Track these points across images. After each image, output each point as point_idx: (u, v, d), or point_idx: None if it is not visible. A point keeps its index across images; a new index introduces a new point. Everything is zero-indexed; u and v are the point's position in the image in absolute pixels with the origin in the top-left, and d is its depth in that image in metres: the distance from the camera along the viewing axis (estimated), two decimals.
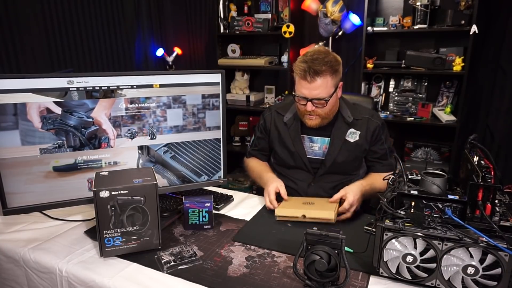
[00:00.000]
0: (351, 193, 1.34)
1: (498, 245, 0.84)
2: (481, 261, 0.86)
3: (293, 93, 1.46)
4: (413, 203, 0.96)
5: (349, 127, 1.52)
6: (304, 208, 1.32)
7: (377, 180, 1.43)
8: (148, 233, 1.10)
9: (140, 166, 1.30)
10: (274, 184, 1.42)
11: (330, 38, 2.84)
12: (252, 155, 1.71)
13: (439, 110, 2.75)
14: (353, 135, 1.51)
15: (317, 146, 1.55)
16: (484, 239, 0.85)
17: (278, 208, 1.32)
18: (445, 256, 0.89)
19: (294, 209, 1.32)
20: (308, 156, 1.55)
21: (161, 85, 1.26)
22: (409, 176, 1.12)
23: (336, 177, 1.54)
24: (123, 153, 1.27)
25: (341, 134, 1.52)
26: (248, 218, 1.34)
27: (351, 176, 1.57)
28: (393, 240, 0.93)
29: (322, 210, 1.30)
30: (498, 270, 0.85)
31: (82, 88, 1.16)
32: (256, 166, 1.66)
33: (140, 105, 1.25)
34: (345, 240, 0.93)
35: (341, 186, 1.51)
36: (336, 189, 1.50)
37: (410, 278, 0.94)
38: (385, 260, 0.95)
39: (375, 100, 2.90)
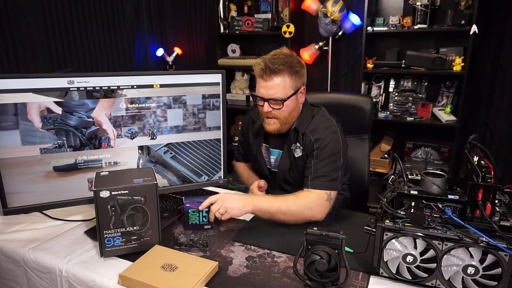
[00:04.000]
0: (219, 195, 1.24)
1: (498, 245, 0.84)
2: (481, 261, 0.87)
3: (252, 93, 1.41)
4: (413, 203, 0.96)
5: (295, 141, 1.42)
6: (160, 276, 0.97)
7: (278, 199, 1.27)
8: (148, 233, 1.10)
9: (140, 166, 1.30)
10: (256, 182, 1.47)
11: (330, 38, 2.84)
12: (238, 159, 1.74)
13: (439, 110, 2.75)
14: (298, 149, 1.42)
15: (274, 158, 1.51)
16: (484, 239, 0.85)
17: (127, 270, 1.00)
18: (445, 256, 0.89)
19: (145, 274, 0.97)
20: (267, 166, 1.53)
21: (162, 85, 1.26)
22: (409, 176, 1.12)
23: (293, 189, 1.41)
24: (124, 153, 1.27)
25: (290, 148, 1.43)
26: (248, 218, 1.34)
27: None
28: (393, 240, 0.93)
29: (177, 285, 0.94)
30: (498, 270, 0.86)
31: (83, 88, 1.16)
32: (244, 170, 1.69)
33: (140, 105, 1.25)
34: (345, 240, 0.93)
35: None
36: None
37: (410, 278, 0.94)
38: (385, 260, 0.95)
39: (374, 100, 2.91)
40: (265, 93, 1.34)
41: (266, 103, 1.34)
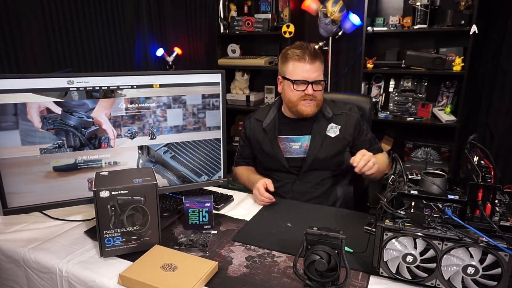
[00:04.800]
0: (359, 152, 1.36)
1: (498, 245, 0.84)
2: (481, 261, 0.86)
3: (288, 79, 1.48)
4: (413, 203, 0.96)
5: (329, 122, 1.55)
6: (159, 276, 0.97)
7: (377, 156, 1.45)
8: (148, 233, 1.10)
9: (140, 166, 1.30)
10: (262, 180, 1.44)
11: (330, 38, 2.85)
12: (238, 164, 1.75)
13: (439, 110, 2.75)
14: (333, 130, 1.55)
15: (298, 144, 1.57)
16: (484, 239, 0.85)
17: (127, 270, 1.00)
18: (445, 256, 0.89)
19: (145, 274, 0.98)
20: (287, 156, 1.57)
21: (161, 85, 1.26)
22: (409, 176, 1.12)
23: (319, 173, 1.57)
24: (123, 153, 1.27)
25: (322, 129, 1.55)
26: (248, 218, 1.34)
27: (335, 171, 1.59)
28: (393, 240, 0.93)
29: (177, 285, 0.94)
30: (498, 270, 0.85)
31: (82, 88, 1.16)
32: (243, 171, 1.70)
33: (140, 105, 1.25)
34: (345, 240, 0.93)
35: (325, 181, 1.57)
36: (321, 184, 1.56)
37: (410, 278, 0.94)
38: (385, 260, 0.95)
39: (374, 100, 2.91)
40: (308, 76, 1.44)
41: (310, 85, 1.45)
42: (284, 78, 1.51)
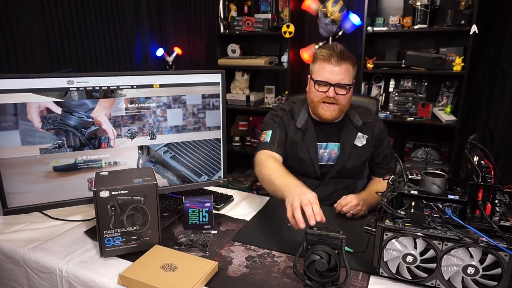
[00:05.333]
0: (348, 196, 1.35)
1: (498, 245, 0.84)
2: (481, 261, 0.86)
3: (313, 79, 1.43)
4: (413, 203, 0.96)
5: (357, 131, 1.51)
6: (159, 276, 0.97)
7: (374, 189, 1.34)
8: (148, 233, 1.10)
9: (140, 166, 1.30)
10: (313, 194, 1.06)
11: (330, 38, 2.84)
12: (267, 149, 1.45)
13: (439, 110, 2.75)
14: (360, 140, 1.50)
15: (326, 151, 1.53)
16: (484, 239, 0.85)
17: (127, 270, 0.99)
18: (445, 256, 0.89)
19: (145, 274, 0.97)
20: (319, 163, 1.52)
21: (161, 85, 1.26)
22: (409, 176, 1.12)
23: (342, 180, 1.54)
24: (123, 153, 1.27)
25: (350, 138, 1.50)
26: (248, 218, 1.34)
27: (357, 179, 1.58)
28: (393, 240, 0.93)
29: (177, 285, 0.94)
30: (498, 270, 0.85)
31: (82, 88, 1.16)
32: (275, 164, 1.34)
33: (140, 105, 1.25)
34: (345, 240, 0.93)
35: (346, 189, 1.53)
36: (342, 190, 1.52)
37: (410, 278, 0.94)
38: (385, 260, 0.95)
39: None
40: (332, 78, 1.38)
41: (332, 88, 1.38)
42: (310, 77, 1.47)
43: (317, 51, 1.43)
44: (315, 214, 0.99)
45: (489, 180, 0.91)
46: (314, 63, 1.45)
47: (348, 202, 1.33)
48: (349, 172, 1.52)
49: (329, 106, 1.42)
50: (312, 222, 0.97)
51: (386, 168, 1.56)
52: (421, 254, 0.91)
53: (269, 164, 1.33)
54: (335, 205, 1.37)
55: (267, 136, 1.49)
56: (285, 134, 1.53)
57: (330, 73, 1.37)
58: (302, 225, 0.99)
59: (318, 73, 1.41)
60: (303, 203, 1.01)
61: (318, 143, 1.52)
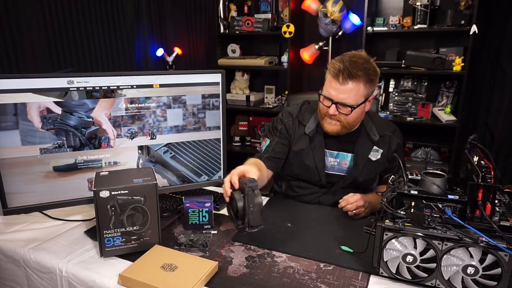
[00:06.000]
0: (356, 195, 1.34)
1: (498, 245, 0.84)
2: (481, 261, 0.87)
3: (319, 91, 1.38)
4: (413, 203, 0.96)
5: (373, 144, 1.45)
6: (159, 276, 0.97)
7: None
8: (148, 233, 1.10)
9: (140, 166, 1.30)
10: (241, 168, 1.17)
11: (330, 38, 2.84)
12: (259, 158, 1.49)
13: (439, 110, 2.75)
14: (375, 153, 1.45)
15: (336, 161, 1.48)
16: (484, 239, 0.85)
17: (127, 270, 1.00)
18: (445, 256, 0.89)
19: (145, 274, 0.97)
20: (325, 172, 1.48)
21: (161, 85, 1.26)
22: (409, 176, 1.12)
23: (351, 190, 1.45)
24: (123, 153, 1.27)
25: (365, 152, 1.45)
26: None
27: (365, 190, 1.49)
28: (393, 240, 0.93)
29: (177, 285, 0.94)
30: (498, 270, 0.86)
31: (82, 88, 1.16)
32: (250, 161, 1.42)
33: (140, 105, 1.25)
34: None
35: None
36: None
37: (410, 278, 0.94)
38: (385, 260, 0.95)
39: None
40: (335, 95, 1.31)
41: (333, 105, 1.32)
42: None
43: (331, 63, 1.34)
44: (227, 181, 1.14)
45: (489, 180, 0.91)
46: (327, 73, 1.37)
47: (355, 202, 1.31)
48: (360, 185, 1.47)
49: (330, 121, 1.37)
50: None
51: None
52: (421, 254, 0.91)
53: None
54: (340, 200, 1.35)
55: (265, 144, 1.52)
56: (288, 142, 1.50)
57: (334, 90, 1.31)
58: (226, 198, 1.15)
59: (325, 87, 1.36)
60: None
61: (328, 151, 1.47)
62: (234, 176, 1.13)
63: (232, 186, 1.12)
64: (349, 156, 1.47)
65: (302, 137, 1.48)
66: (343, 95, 1.30)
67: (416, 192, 0.97)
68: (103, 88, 1.19)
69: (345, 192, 1.43)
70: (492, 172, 0.91)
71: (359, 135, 1.45)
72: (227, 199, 1.14)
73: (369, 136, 1.45)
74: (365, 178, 1.47)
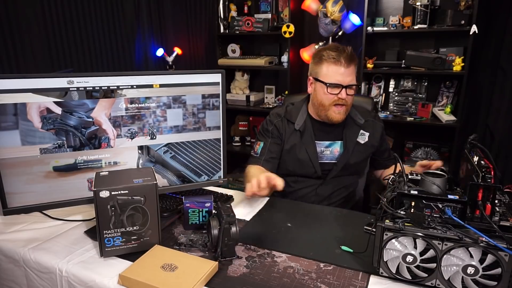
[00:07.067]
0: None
1: (498, 245, 0.84)
2: (481, 261, 0.86)
3: (323, 82, 1.42)
4: (413, 203, 0.96)
5: (359, 128, 1.55)
6: (159, 276, 0.97)
7: None
8: (148, 233, 1.10)
9: (140, 166, 1.30)
10: (269, 174, 1.25)
11: (330, 38, 2.85)
12: (257, 163, 1.54)
13: (439, 110, 2.75)
14: (363, 137, 1.55)
15: (329, 150, 1.55)
16: (484, 239, 0.85)
17: (127, 270, 1.00)
18: (445, 256, 0.89)
19: (145, 274, 0.97)
20: (319, 162, 1.54)
21: (161, 85, 1.26)
22: (409, 176, 1.12)
23: (344, 178, 1.57)
24: (123, 153, 1.27)
25: (353, 136, 1.54)
26: (248, 218, 1.34)
27: (359, 176, 1.61)
28: (393, 240, 0.93)
29: (177, 285, 0.94)
30: (498, 270, 0.85)
31: (82, 88, 1.16)
32: (255, 172, 1.47)
33: (140, 105, 1.25)
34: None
35: (348, 186, 1.56)
36: (344, 188, 1.55)
37: (410, 278, 0.94)
38: (385, 260, 0.95)
39: (375, 100, 2.91)
40: (343, 80, 1.40)
41: (344, 90, 1.40)
42: (317, 80, 1.46)
43: (325, 52, 1.42)
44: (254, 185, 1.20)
45: (489, 180, 0.91)
46: (319, 64, 1.43)
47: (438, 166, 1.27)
48: (351, 169, 1.55)
49: (339, 109, 1.45)
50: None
51: (391, 159, 1.64)
52: (421, 254, 0.91)
53: (252, 173, 1.47)
54: (421, 163, 1.30)
55: (259, 147, 1.59)
56: (281, 141, 1.57)
57: (341, 75, 1.39)
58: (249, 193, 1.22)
59: (328, 76, 1.41)
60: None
61: (319, 142, 1.54)
62: (262, 177, 1.20)
63: (212, 212, 1.18)
64: (339, 143, 1.55)
65: (293, 133, 1.54)
66: (350, 77, 1.41)
67: (416, 192, 0.97)
68: (103, 88, 1.19)
69: (337, 181, 1.54)
70: (492, 172, 0.91)
71: (345, 122, 1.53)
72: (249, 194, 1.22)
73: (355, 122, 1.55)
74: (356, 161, 1.55)
